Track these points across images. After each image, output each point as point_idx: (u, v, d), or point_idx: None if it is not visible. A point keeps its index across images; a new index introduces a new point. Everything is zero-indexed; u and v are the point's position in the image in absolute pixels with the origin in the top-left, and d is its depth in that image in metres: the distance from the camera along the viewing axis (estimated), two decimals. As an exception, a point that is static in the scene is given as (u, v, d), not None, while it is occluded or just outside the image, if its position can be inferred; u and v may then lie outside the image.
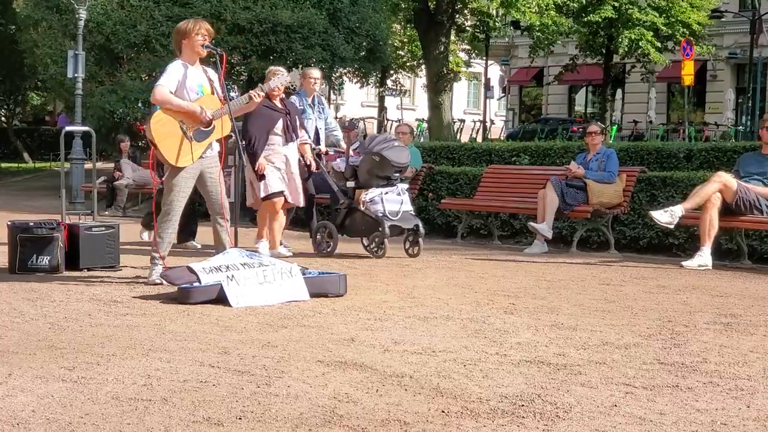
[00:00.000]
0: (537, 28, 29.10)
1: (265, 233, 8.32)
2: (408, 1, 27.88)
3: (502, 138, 30.89)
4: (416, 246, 8.67)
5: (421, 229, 8.68)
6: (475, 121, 35.39)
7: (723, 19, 32.69)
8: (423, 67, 32.10)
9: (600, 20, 29.66)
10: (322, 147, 9.30)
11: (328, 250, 8.67)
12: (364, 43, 20.79)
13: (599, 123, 11.31)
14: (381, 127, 35.03)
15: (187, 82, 6.56)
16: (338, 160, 9.05)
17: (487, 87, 38.00)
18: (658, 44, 30.50)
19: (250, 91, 6.87)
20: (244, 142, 8.03)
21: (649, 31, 29.94)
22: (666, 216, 8.16)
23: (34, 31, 20.19)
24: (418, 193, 11.45)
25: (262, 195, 8.18)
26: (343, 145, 9.44)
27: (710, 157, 10.56)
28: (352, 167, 8.74)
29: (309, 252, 8.76)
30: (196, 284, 5.78)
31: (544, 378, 3.89)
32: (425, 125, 30.40)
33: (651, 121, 31.21)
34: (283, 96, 8.54)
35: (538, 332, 4.94)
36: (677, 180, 9.66)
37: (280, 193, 8.22)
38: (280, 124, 8.27)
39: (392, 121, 34.02)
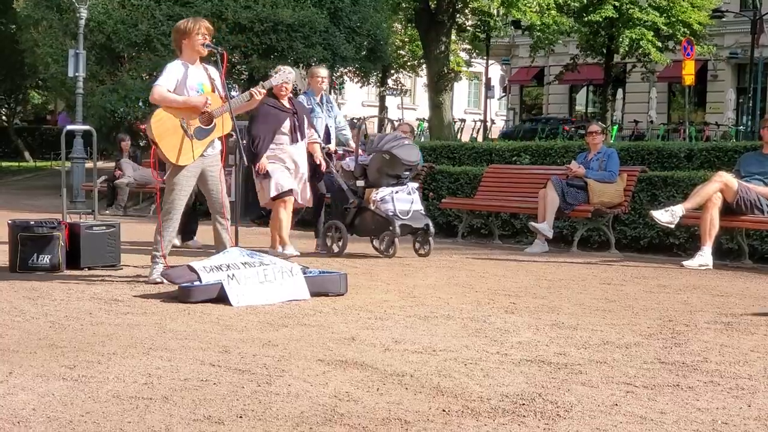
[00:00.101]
0: (538, 28, 29.10)
1: (284, 235, 8.13)
2: (409, 0, 27.87)
3: (489, 137, 30.95)
4: (426, 245, 8.61)
5: (431, 229, 8.62)
6: (475, 121, 35.40)
7: (724, 19, 32.69)
8: (424, 66, 32.12)
9: (601, 20, 29.66)
10: (332, 146, 9.21)
11: (337, 250, 8.60)
12: (365, 43, 20.78)
13: (600, 122, 11.30)
14: (381, 126, 35.02)
15: (188, 81, 6.56)
16: (348, 159, 8.98)
17: (488, 87, 37.99)
18: (659, 44, 30.52)
19: (251, 89, 6.87)
20: (245, 141, 8.01)
21: (649, 30, 29.96)
22: (667, 215, 8.16)
23: (35, 31, 20.18)
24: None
25: (273, 194, 8.08)
26: (352, 144, 9.36)
27: (711, 156, 10.56)
28: (361, 166, 8.68)
29: (310, 251, 8.74)
30: (196, 283, 5.78)
31: (544, 377, 3.89)
32: (426, 125, 30.42)
33: (652, 121, 31.21)
34: (291, 95, 8.46)
35: (539, 331, 4.94)
36: (678, 180, 9.66)
37: (290, 192, 8.15)
38: (287, 124, 8.18)
39: (392, 120, 34.01)
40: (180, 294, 5.79)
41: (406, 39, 35.99)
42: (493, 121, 36.34)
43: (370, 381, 3.76)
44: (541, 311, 5.62)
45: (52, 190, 19.99)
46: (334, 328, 4.93)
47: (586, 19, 29.81)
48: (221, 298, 5.68)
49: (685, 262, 8.15)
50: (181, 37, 6.61)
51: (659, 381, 3.85)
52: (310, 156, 8.55)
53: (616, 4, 29.58)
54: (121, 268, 7.37)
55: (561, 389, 3.68)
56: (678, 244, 9.59)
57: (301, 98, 9.11)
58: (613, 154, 9.70)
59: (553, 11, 28.36)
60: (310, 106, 8.98)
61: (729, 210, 8.19)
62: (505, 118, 42.47)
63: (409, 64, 38.02)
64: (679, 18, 30.33)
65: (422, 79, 37.76)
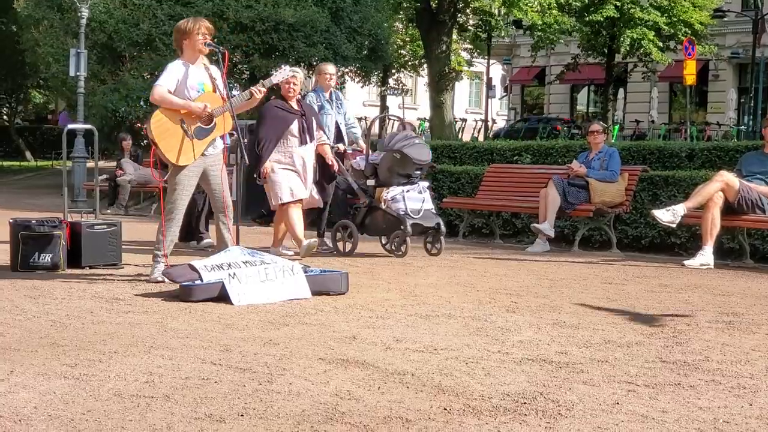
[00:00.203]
0: (539, 28, 29.10)
1: (297, 235, 8.08)
2: (410, 0, 27.88)
3: (489, 137, 30.98)
4: (437, 244, 8.58)
5: (443, 228, 8.59)
6: (477, 121, 35.39)
7: (725, 19, 32.69)
8: (425, 66, 32.13)
9: (602, 19, 29.66)
10: (341, 145, 9.07)
11: (347, 250, 8.56)
12: (366, 42, 20.79)
13: (601, 122, 11.30)
14: (382, 126, 35.02)
15: (188, 80, 6.56)
16: (358, 158, 8.92)
17: (489, 86, 37.98)
18: (660, 44, 30.52)
19: (251, 88, 6.86)
20: (246, 140, 7.98)
21: (651, 30, 29.95)
22: (668, 215, 8.15)
23: (36, 30, 20.20)
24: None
25: (286, 200, 8.03)
26: (362, 143, 9.30)
27: (712, 156, 10.55)
28: (372, 165, 8.64)
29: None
30: (197, 282, 5.78)
31: (546, 376, 3.88)
32: (427, 124, 30.42)
33: (653, 121, 31.21)
34: (299, 97, 8.39)
35: (540, 330, 4.94)
36: (679, 179, 9.65)
37: (301, 200, 8.10)
38: (295, 126, 8.11)
39: (393, 120, 33.99)
40: (181, 293, 5.79)
41: (407, 39, 36.00)
42: (494, 121, 36.35)
43: (372, 380, 3.76)
44: (542, 310, 5.62)
45: (53, 189, 20.00)
46: (335, 327, 4.93)
47: (587, 18, 29.81)
48: (222, 296, 5.68)
49: (686, 262, 8.15)
50: (181, 37, 6.61)
51: (661, 380, 3.85)
52: (319, 157, 8.50)
53: (618, 3, 29.57)
54: (123, 267, 7.37)
55: (562, 388, 3.68)
56: (679, 243, 9.59)
57: (311, 95, 9.00)
58: (614, 153, 9.70)
59: (554, 11, 28.36)
60: (320, 103, 8.90)
61: (730, 209, 8.19)
62: (506, 117, 42.46)
63: (410, 63, 38.01)
64: (681, 18, 30.32)
65: (423, 79, 37.76)
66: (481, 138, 30.24)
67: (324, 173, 8.70)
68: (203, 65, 6.70)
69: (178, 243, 7.21)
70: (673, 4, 30.21)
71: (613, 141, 17.51)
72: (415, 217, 8.40)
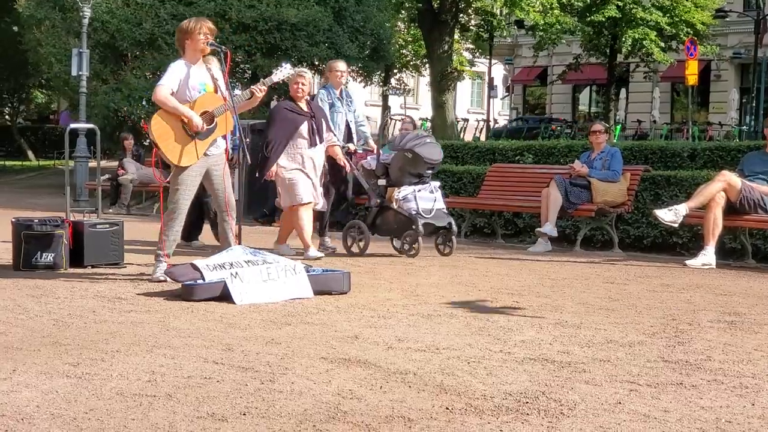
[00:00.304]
0: (541, 27, 29.10)
1: (308, 239, 8.08)
2: (412, 0, 27.88)
3: (470, 138, 30.99)
4: (449, 244, 8.55)
5: (454, 228, 8.55)
6: (478, 121, 35.37)
7: (727, 19, 32.65)
8: (427, 66, 32.12)
9: (604, 20, 29.65)
10: (354, 143, 9.05)
11: (358, 250, 8.52)
12: (369, 42, 20.81)
13: (603, 122, 11.30)
14: (384, 125, 35.01)
15: (190, 81, 6.56)
16: (369, 158, 8.87)
17: (491, 86, 37.96)
18: (662, 44, 30.49)
19: (252, 87, 6.86)
20: (248, 140, 7.98)
21: (652, 30, 29.93)
22: (670, 215, 8.15)
23: (38, 30, 20.22)
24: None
25: (297, 203, 8.02)
26: (371, 142, 9.27)
27: (714, 156, 10.55)
28: (383, 165, 8.60)
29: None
30: (199, 281, 5.78)
31: (548, 375, 3.88)
32: (428, 124, 30.41)
33: (655, 121, 31.18)
34: (308, 98, 8.36)
35: (542, 330, 4.94)
36: (681, 179, 9.66)
37: (310, 203, 8.09)
38: (305, 127, 8.09)
39: (395, 119, 33.98)
40: (183, 292, 5.79)
41: (410, 38, 35.98)
42: (496, 121, 36.29)
43: (374, 379, 3.76)
44: (544, 310, 5.62)
45: (55, 189, 20.02)
46: (337, 327, 4.93)
47: (589, 18, 29.80)
48: (224, 296, 5.69)
49: (688, 262, 8.15)
50: (183, 37, 6.60)
51: (663, 379, 3.85)
52: (329, 159, 8.46)
53: (619, 3, 29.55)
54: (125, 267, 7.37)
55: (564, 387, 3.68)
56: (681, 243, 9.59)
57: (321, 92, 8.96)
58: (616, 153, 9.70)
59: (556, 11, 28.35)
60: (330, 101, 8.86)
61: (732, 209, 8.19)
62: (508, 117, 42.44)
63: (412, 63, 38.00)
64: (683, 18, 30.30)
65: (425, 79, 37.73)
66: (483, 138, 30.20)
67: (335, 175, 8.68)
68: (205, 65, 6.70)
69: (180, 242, 7.22)
70: (674, 5, 30.18)
71: (615, 141, 17.50)
72: (426, 216, 8.36)
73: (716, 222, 8.09)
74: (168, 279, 6.25)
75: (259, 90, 6.76)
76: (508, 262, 8.42)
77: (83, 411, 3.23)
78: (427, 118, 32.36)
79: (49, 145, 33.63)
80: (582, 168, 9.60)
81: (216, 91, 6.65)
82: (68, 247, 7.25)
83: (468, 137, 28.94)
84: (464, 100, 48.72)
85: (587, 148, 10.40)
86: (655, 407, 3.42)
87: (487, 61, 36.83)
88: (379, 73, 27.92)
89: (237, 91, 7.26)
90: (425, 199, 8.45)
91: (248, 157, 7.35)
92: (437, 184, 8.75)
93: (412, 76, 42.21)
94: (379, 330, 4.86)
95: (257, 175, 8.34)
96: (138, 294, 5.98)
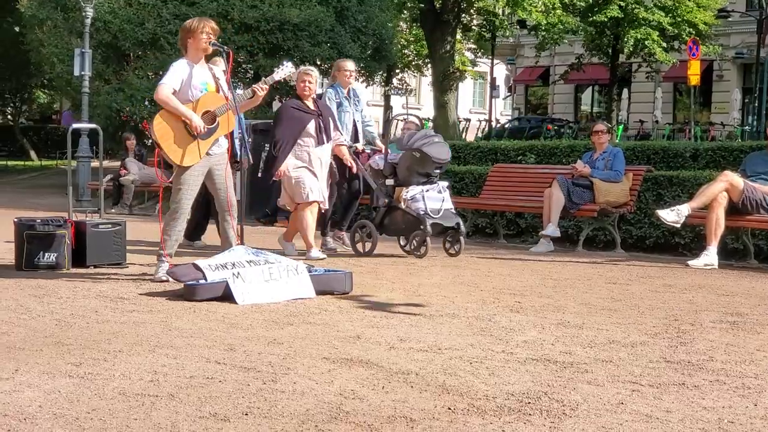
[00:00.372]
0: (543, 28, 29.09)
1: (309, 240, 8.05)
2: (414, 0, 27.88)
3: (479, 136, 31.01)
4: (457, 244, 8.51)
5: (462, 228, 8.52)
6: (480, 121, 35.36)
7: (730, 19, 32.63)
8: (429, 66, 32.11)
9: (606, 20, 29.64)
10: (360, 143, 9.01)
11: (366, 250, 8.49)
12: (371, 42, 20.81)
13: (605, 122, 11.29)
14: (386, 126, 35.00)
15: (192, 80, 6.56)
16: (376, 157, 8.83)
17: (493, 86, 37.97)
18: (664, 44, 30.48)
19: (254, 86, 6.86)
20: (251, 140, 7.96)
21: (655, 30, 29.92)
22: (672, 215, 8.15)
23: (40, 30, 20.23)
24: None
25: (303, 200, 8.00)
26: (379, 143, 9.22)
27: (716, 156, 10.54)
28: (391, 164, 8.57)
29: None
30: (202, 281, 5.78)
31: (550, 376, 3.88)
32: (430, 124, 30.40)
33: (657, 121, 31.19)
34: (315, 96, 8.34)
35: (545, 330, 4.94)
36: (683, 179, 9.65)
37: (318, 201, 8.07)
38: (312, 126, 8.06)
39: (397, 120, 33.99)
40: (185, 292, 5.79)
41: (411, 38, 35.99)
42: (498, 121, 36.28)
43: (376, 379, 3.76)
44: (546, 310, 5.62)
45: (57, 189, 20.04)
46: (339, 327, 4.93)
47: (591, 19, 29.79)
48: (226, 296, 5.69)
49: (690, 262, 8.14)
50: (186, 36, 6.61)
51: (665, 380, 3.85)
52: (336, 158, 8.43)
53: (622, 4, 29.54)
54: (127, 267, 7.38)
55: (567, 388, 3.68)
56: (683, 243, 9.58)
57: (329, 91, 8.92)
58: (618, 153, 9.69)
59: (558, 11, 28.34)
60: (338, 100, 8.84)
61: (734, 210, 8.18)
62: (510, 117, 42.42)
63: (414, 63, 38.01)
64: (685, 18, 30.29)
65: (427, 79, 37.71)
66: (470, 137, 30.11)
67: (345, 175, 8.65)
68: (207, 66, 6.70)
69: (183, 241, 7.21)
70: (677, 5, 30.17)
71: (617, 141, 17.49)
72: (434, 216, 8.32)
73: (718, 222, 8.08)
74: (170, 279, 6.26)
75: (261, 89, 6.76)
76: (510, 262, 8.41)
77: (86, 411, 3.24)
78: (428, 118, 32.37)
79: (51, 145, 33.66)
80: (584, 168, 9.60)
81: (218, 91, 6.65)
82: (71, 247, 7.26)
83: (470, 137, 28.94)
84: (466, 100, 48.73)
85: (589, 149, 10.39)
86: (658, 407, 3.42)
87: (489, 61, 36.85)
88: (381, 73, 27.91)
89: (239, 91, 7.25)
90: (433, 199, 8.42)
91: (250, 157, 7.35)
92: (445, 183, 8.71)
93: (414, 76, 42.24)
94: (381, 330, 4.86)
95: (264, 174, 8.29)
96: (140, 294, 5.98)
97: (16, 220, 7.34)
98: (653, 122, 31.35)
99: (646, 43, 30.01)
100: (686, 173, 9.85)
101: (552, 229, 9.35)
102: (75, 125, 11.58)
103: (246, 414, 3.24)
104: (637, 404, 3.46)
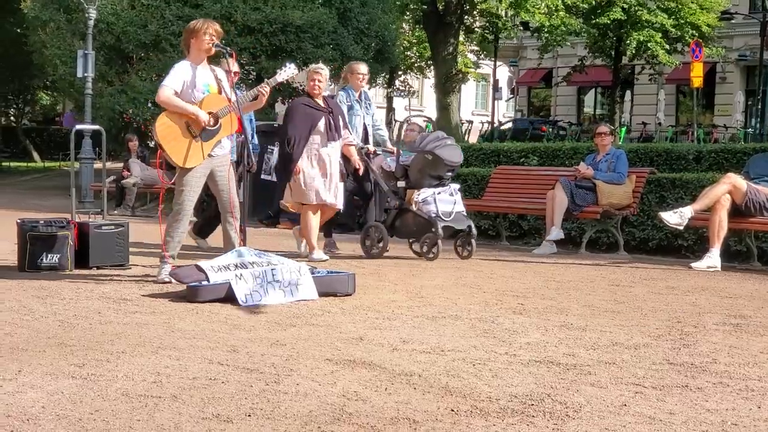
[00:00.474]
0: (546, 29, 29.09)
1: (312, 241, 8.03)
2: (417, 2, 27.89)
3: (474, 140, 31.00)
4: (469, 247, 8.48)
5: (474, 231, 8.48)
6: (483, 123, 35.33)
7: (733, 21, 32.60)
8: (431, 67, 32.11)
9: (609, 22, 29.63)
10: (371, 146, 8.97)
11: (377, 251, 8.46)
12: (373, 44, 20.81)
13: (608, 124, 11.28)
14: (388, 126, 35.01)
15: (194, 81, 6.56)
16: (388, 159, 8.81)
17: (496, 88, 37.97)
18: (667, 46, 30.46)
19: (257, 88, 6.85)
20: (250, 142, 7.93)
21: (658, 32, 29.91)
22: (675, 217, 8.14)
23: (43, 32, 20.24)
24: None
25: (309, 201, 7.98)
26: (389, 145, 9.19)
27: (720, 158, 10.53)
28: (402, 167, 8.54)
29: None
30: (204, 283, 5.78)
31: (553, 378, 3.88)
32: (432, 126, 30.39)
33: (660, 123, 31.15)
34: (325, 94, 8.31)
35: (548, 332, 4.93)
36: (686, 181, 9.64)
37: (324, 203, 8.05)
38: (322, 123, 8.01)
39: (399, 121, 33.98)
40: (188, 293, 5.79)
41: (414, 40, 35.99)
42: (500, 123, 36.27)
43: (379, 381, 3.76)
44: (549, 312, 5.61)
45: (60, 190, 20.05)
46: (342, 328, 4.93)
47: (594, 21, 29.79)
48: (229, 297, 5.69)
49: (693, 264, 8.14)
50: (189, 36, 6.61)
51: (668, 382, 3.84)
52: (344, 158, 8.40)
53: (625, 6, 29.53)
54: (130, 268, 7.38)
55: (570, 390, 3.68)
56: (686, 246, 9.57)
57: (341, 94, 8.88)
58: (621, 155, 9.69)
59: (561, 12, 28.34)
60: (350, 103, 8.81)
61: (738, 212, 8.18)
62: (505, 119, 42.41)
63: (416, 65, 38.01)
64: (688, 20, 30.27)
65: (430, 81, 37.74)
66: (472, 139, 30.08)
67: (358, 178, 8.64)
68: (209, 67, 6.71)
69: (191, 233, 7.17)
70: (680, 7, 30.16)
71: (620, 143, 17.48)
72: (446, 219, 8.30)
73: (721, 224, 8.08)
74: (173, 280, 6.26)
75: (264, 92, 6.75)
76: (512, 264, 8.41)
77: (88, 412, 3.24)
78: (431, 120, 32.36)
79: (54, 146, 33.66)
80: (587, 170, 9.59)
81: (220, 92, 6.65)
82: (74, 248, 7.26)
83: (473, 139, 28.92)
84: (469, 102, 48.71)
85: (592, 150, 10.39)
86: (661, 409, 3.42)
87: (492, 62, 36.83)
88: (383, 74, 27.92)
89: (241, 93, 7.25)
90: (445, 201, 8.40)
91: (252, 159, 7.34)
92: (457, 186, 8.68)
93: (417, 77, 42.24)
94: (383, 332, 4.86)
95: (277, 173, 8.20)
96: (143, 295, 5.98)
97: (19, 221, 7.35)
98: (656, 124, 31.31)
99: (649, 45, 30.00)
100: (689, 175, 9.84)
101: (556, 233, 9.35)
102: (78, 126, 11.59)
103: (249, 415, 3.24)
104: (640, 406, 3.46)
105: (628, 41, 30.29)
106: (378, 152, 9.06)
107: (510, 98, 45.68)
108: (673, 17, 30.16)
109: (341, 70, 18.89)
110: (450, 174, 8.54)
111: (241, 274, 5.78)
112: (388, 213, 8.68)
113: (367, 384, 3.70)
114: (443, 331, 4.90)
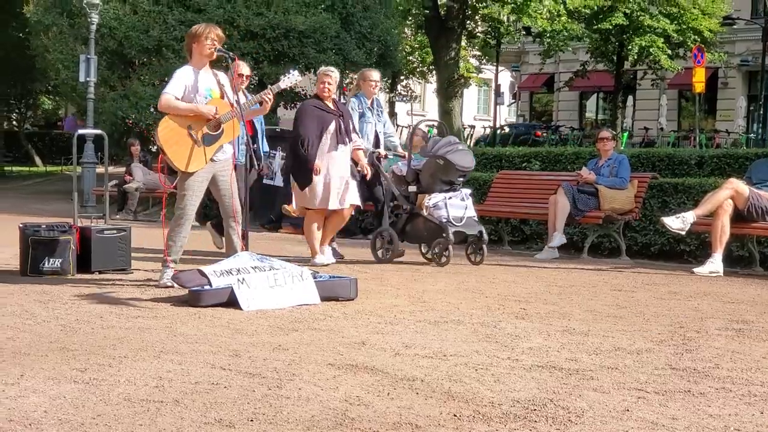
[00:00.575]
0: (548, 34, 29.11)
1: (314, 246, 8.04)
2: (419, 7, 27.91)
3: (471, 144, 31.02)
4: (480, 253, 8.46)
5: (485, 236, 8.45)
6: (485, 127, 35.34)
7: (735, 26, 32.61)
8: (433, 72, 32.12)
9: (611, 27, 29.65)
10: (381, 150, 8.96)
11: (387, 256, 8.44)
12: (376, 49, 20.82)
13: (610, 129, 11.29)
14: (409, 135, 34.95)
15: (196, 86, 6.57)
16: (400, 163, 8.79)
17: (498, 93, 37.99)
18: (669, 51, 30.49)
19: (261, 94, 6.86)
20: (255, 146, 7.92)
21: (660, 38, 29.93)
22: (677, 222, 8.14)
23: (45, 36, 20.28)
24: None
25: (314, 206, 7.97)
26: (401, 150, 9.17)
27: (722, 163, 10.53)
28: (414, 171, 8.52)
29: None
30: (206, 287, 5.79)
31: (556, 383, 3.88)
32: (434, 131, 30.41)
33: (662, 128, 31.16)
34: (335, 97, 8.31)
35: (550, 337, 4.93)
36: (689, 186, 9.64)
37: (327, 208, 8.03)
38: (332, 126, 8.00)
39: (402, 126, 34.02)
40: (190, 298, 5.79)
41: (416, 45, 36.01)
42: (502, 128, 36.28)
43: (381, 385, 3.76)
44: (551, 317, 5.61)
45: (62, 194, 20.07)
46: (344, 333, 4.93)
47: (596, 26, 29.81)
48: (231, 302, 5.69)
49: (695, 269, 8.14)
50: (191, 41, 6.62)
51: (670, 387, 3.84)
52: (353, 162, 8.37)
53: (627, 11, 29.55)
54: (132, 272, 7.38)
55: (572, 395, 3.68)
56: (689, 251, 9.57)
57: (353, 101, 8.87)
58: (623, 160, 9.69)
59: (563, 17, 28.35)
60: (361, 110, 8.79)
61: (740, 217, 8.18)
62: (501, 125, 42.42)
63: (418, 70, 38.05)
64: (690, 25, 30.29)
65: (432, 86, 37.77)
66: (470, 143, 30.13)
67: (371, 183, 8.63)
68: (212, 72, 6.71)
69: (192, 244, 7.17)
70: (682, 12, 30.18)
71: (622, 148, 17.48)
72: (457, 224, 8.28)
73: (724, 229, 8.07)
74: (175, 285, 6.26)
75: (268, 98, 6.76)
76: (515, 269, 8.40)
77: (91, 416, 3.24)
78: (434, 125, 32.35)
79: (56, 150, 33.71)
80: (589, 175, 9.59)
81: (222, 97, 6.66)
82: (76, 252, 7.27)
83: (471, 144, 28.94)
84: (471, 106, 48.71)
85: (594, 155, 10.39)
86: (663, 415, 3.41)
87: (494, 67, 36.85)
88: (385, 79, 27.92)
89: (243, 97, 7.25)
90: (456, 206, 8.37)
91: (256, 164, 7.35)
92: (468, 191, 8.65)
93: (419, 82, 42.29)
94: (386, 336, 4.85)
95: (295, 175, 8.16)
96: (145, 300, 5.98)
97: (21, 225, 7.36)
98: (658, 129, 31.33)
99: (651, 50, 30.02)
100: (691, 180, 9.84)
101: (558, 239, 9.34)
102: (80, 131, 11.60)
103: (251, 420, 3.24)
104: (642, 411, 3.45)
105: (630, 46, 30.31)
106: (389, 156, 9.05)
107: (512, 103, 45.71)
108: (675, 22, 30.19)
109: (343, 75, 18.83)
110: (462, 179, 8.51)
111: (243, 279, 5.78)
112: (399, 218, 8.66)
113: (370, 389, 3.70)
114: (445, 336, 4.90)
